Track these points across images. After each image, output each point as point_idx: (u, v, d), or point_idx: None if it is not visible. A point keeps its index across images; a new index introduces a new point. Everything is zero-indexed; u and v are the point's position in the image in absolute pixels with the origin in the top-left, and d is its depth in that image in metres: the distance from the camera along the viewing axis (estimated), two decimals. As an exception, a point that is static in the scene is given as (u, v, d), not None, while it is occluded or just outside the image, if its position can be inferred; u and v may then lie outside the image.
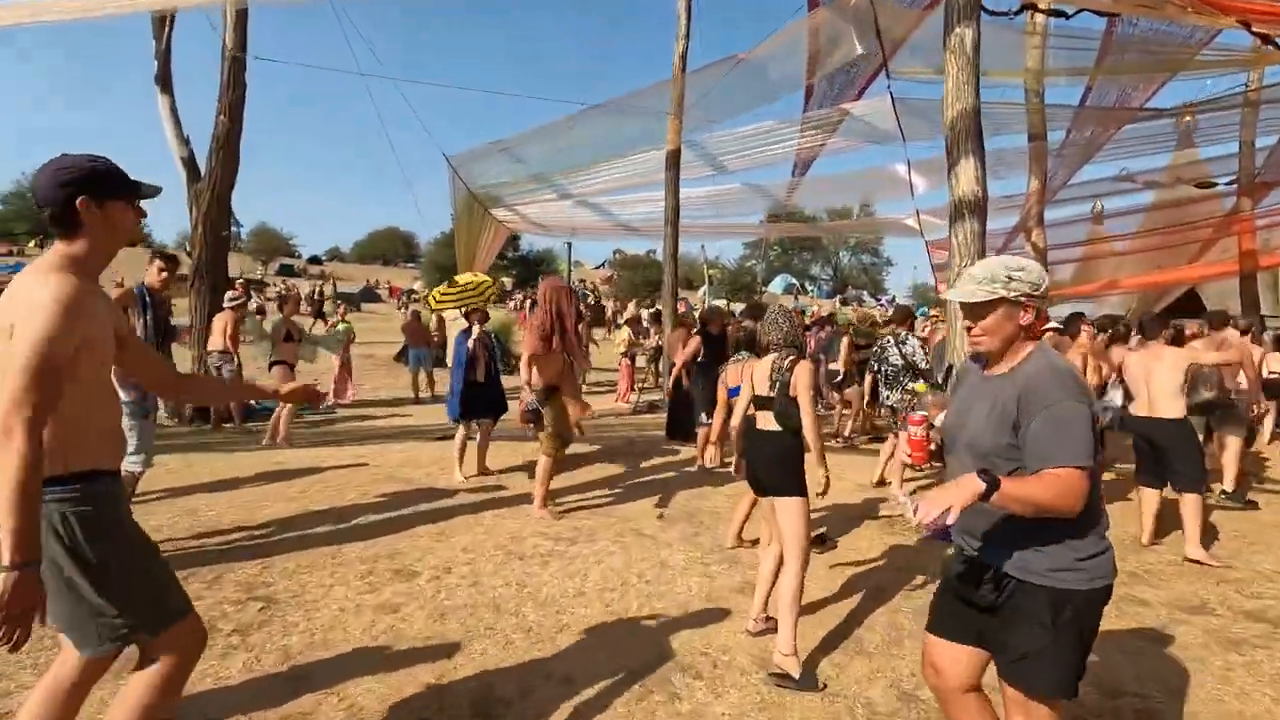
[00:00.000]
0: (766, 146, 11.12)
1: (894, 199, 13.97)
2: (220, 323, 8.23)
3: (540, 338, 4.92)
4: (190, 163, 8.97)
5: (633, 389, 11.64)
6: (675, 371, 7.74)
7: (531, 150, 11.47)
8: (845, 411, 8.96)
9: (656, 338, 13.21)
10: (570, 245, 36.74)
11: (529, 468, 6.46)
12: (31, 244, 49.51)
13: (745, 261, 62.00)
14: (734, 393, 3.94)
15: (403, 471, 6.24)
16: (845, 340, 9.23)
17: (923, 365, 6.19)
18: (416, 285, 45.60)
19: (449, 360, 9.33)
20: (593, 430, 8.52)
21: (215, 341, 8.19)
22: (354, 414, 10.00)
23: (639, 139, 11.08)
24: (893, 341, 6.48)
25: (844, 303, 56.15)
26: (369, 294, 40.14)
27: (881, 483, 6.35)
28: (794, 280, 60.10)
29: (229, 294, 8.68)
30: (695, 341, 7.27)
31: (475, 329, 6.22)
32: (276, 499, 5.25)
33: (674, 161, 10.78)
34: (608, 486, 6.03)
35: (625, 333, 11.83)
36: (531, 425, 6.61)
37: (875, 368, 6.60)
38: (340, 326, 11.54)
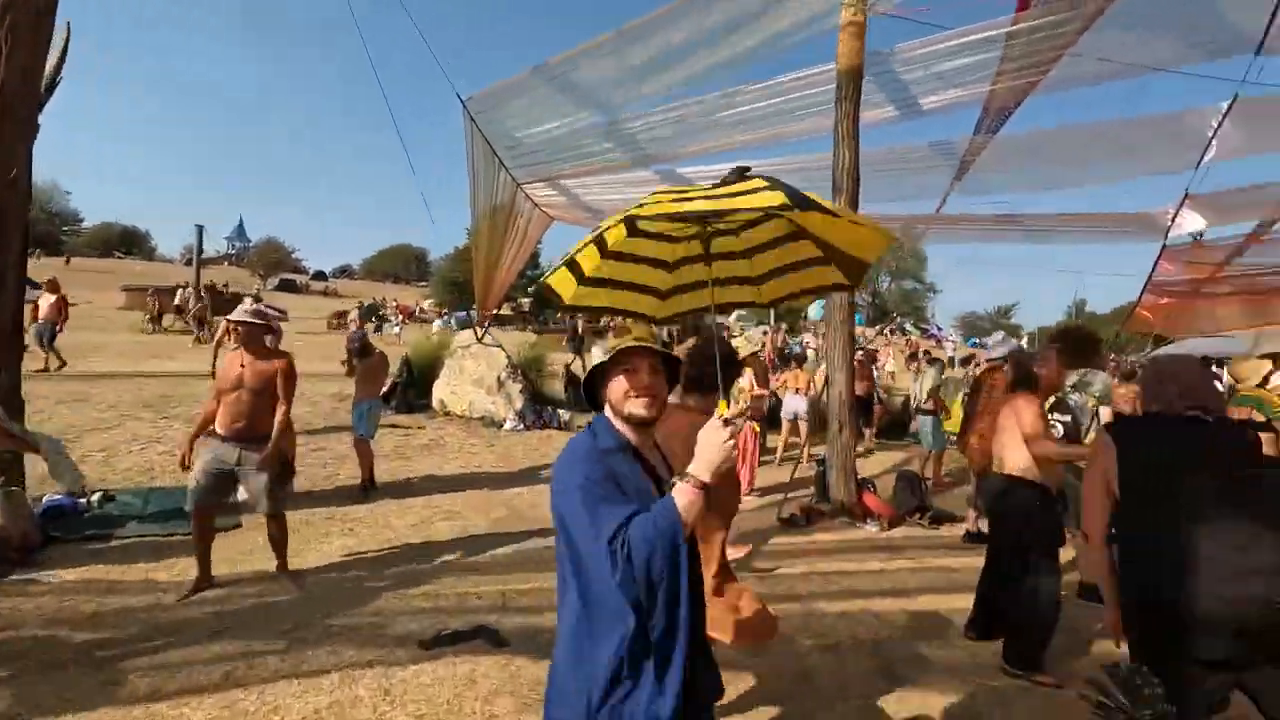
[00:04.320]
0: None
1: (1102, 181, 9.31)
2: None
3: None
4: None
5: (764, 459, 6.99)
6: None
7: (595, 75, 6.97)
8: None
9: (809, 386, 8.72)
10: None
11: None
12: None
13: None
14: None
15: None
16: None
17: None
18: (427, 304, 41.53)
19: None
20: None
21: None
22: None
23: (782, 55, 6.57)
24: None
25: (892, 333, 51.16)
26: (371, 313, 36.20)
27: None
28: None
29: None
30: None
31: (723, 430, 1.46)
32: None
33: (852, 89, 6.24)
34: None
35: (745, 381, 7.15)
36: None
37: None
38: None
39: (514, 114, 7.95)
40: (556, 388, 11.95)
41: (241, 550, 4.60)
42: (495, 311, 11.80)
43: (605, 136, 7.80)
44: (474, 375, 10.58)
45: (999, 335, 10.94)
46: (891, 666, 3.38)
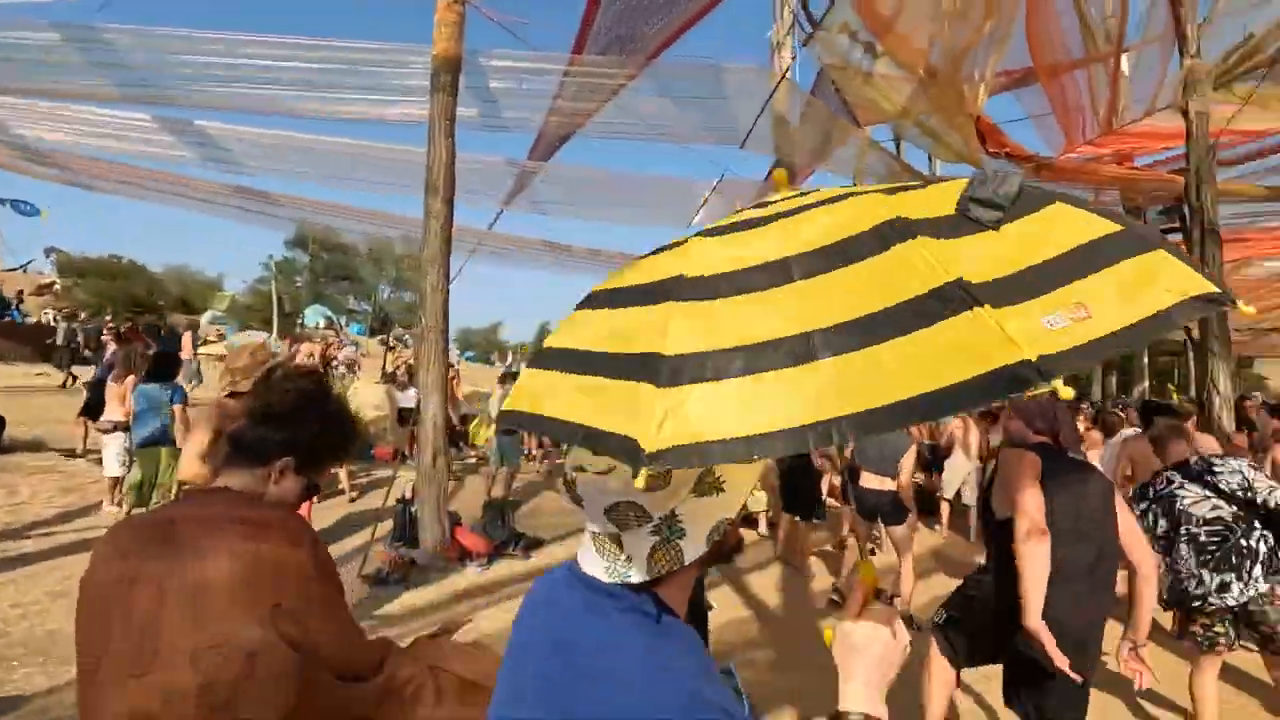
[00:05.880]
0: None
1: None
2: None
3: None
4: None
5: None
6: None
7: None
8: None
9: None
10: (-2, 232, 22.65)
11: None
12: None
13: (262, 285, 50.63)
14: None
15: None
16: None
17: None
18: None
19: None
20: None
21: None
22: None
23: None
24: (1202, 470, 3.01)
25: (389, 346, 50.53)
26: None
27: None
28: (330, 313, 51.76)
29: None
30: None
31: None
32: None
33: (449, 79, 5.59)
34: None
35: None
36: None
37: (1167, 529, 3.15)
38: None
39: None
40: None
41: None
42: None
43: (74, 45, 5.19)
44: None
45: None
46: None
